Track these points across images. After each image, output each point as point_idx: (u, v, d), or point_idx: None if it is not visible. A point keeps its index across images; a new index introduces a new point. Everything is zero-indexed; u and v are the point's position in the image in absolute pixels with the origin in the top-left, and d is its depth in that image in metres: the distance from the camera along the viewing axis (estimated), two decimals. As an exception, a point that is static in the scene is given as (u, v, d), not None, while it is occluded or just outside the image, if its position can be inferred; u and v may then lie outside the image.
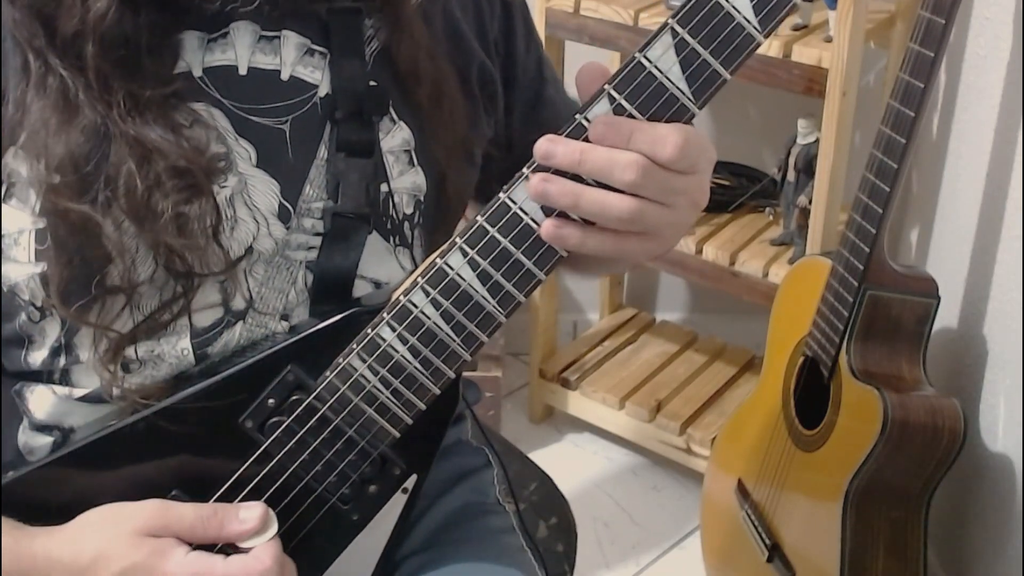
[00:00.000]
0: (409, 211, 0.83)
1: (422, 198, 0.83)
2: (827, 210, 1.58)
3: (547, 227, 0.71)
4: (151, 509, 0.72)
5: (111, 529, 0.71)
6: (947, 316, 1.52)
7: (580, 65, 0.72)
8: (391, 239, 0.82)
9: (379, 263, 0.81)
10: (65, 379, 0.77)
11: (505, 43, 0.90)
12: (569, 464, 2.01)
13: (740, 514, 1.53)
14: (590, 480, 1.99)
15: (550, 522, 1.12)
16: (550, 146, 0.69)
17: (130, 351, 0.76)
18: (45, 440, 0.78)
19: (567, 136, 0.70)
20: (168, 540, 0.71)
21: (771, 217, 1.84)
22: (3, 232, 0.73)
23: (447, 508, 0.94)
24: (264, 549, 0.72)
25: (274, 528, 0.74)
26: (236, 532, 0.73)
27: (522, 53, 0.92)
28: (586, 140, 0.70)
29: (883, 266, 1.30)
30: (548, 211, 0.71)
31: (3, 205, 0.73)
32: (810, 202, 1.63)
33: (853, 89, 1.52)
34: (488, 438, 1.02)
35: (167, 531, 0.71)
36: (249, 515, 0.73)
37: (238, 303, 0.78)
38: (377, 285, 0.81)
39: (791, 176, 1.69)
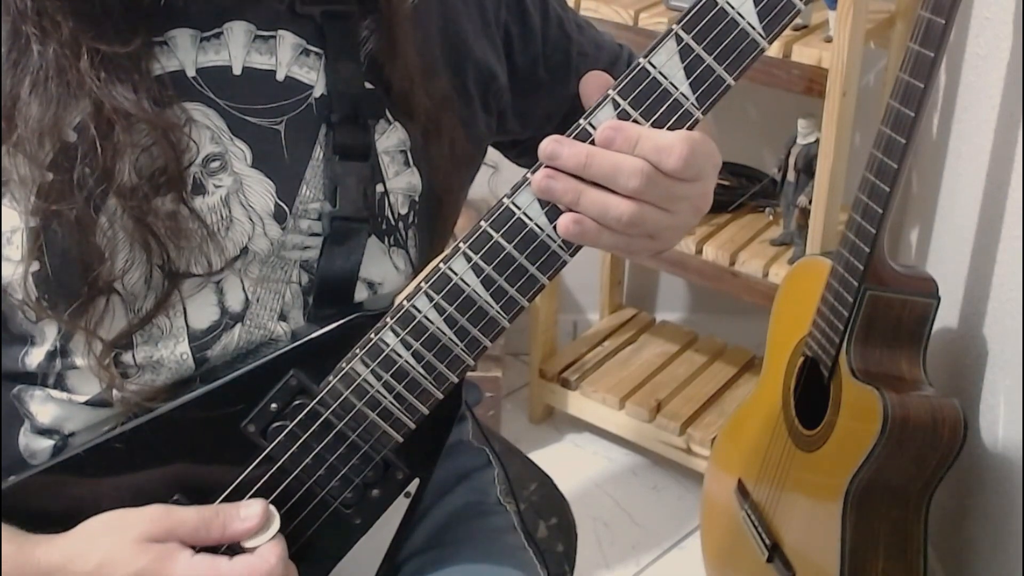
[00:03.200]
0: (404, 211, 0.83)
1: (417, 198, 0.83)
2: (827, 210, 1.58)
3: (565, 223, 0.71)
4: (153, 514, 0.72)
5: (114, 536, 0.71)
6: (947, 316, 1.52)
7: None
8: (386, 239, 0.82)
9: (373, 263, 0.81)
10: (61, 384, 0.77)
11: (519, 24, 0.89)
12: (569, 464, 2.01)
13: (740, 514, 1.54)
14: (590, 480, 1.99)
15: (550, 522, 1.12)
16: (556, 147, 0.70)
17: (128, 357, 0.76)
18: (46, 443, 0.78)
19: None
20: (172, 545, 0.71)
21: (771, 217, 1.84)
22: (1, 230, 0.73)
23: (448, 508, 0.94)
24: (268, 548, 0.73)
25: (276, 525, 0.74)
26: (239, 531, 0.73)
27: (539, 25, 0.91)
28: (591, 144, 0.70)
29: (883, 266, 1.30)
30: (552, 216, 0.72)
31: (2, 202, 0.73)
32: (810, 202, 1.63)
33: (853, 89, 1.52)
34: (488, 438, 1.02)
35: (170, 536, 0.71)
36: (250, 513, 0.73)
37: (234, 304, 0.78)
38: (371, 285, 0.81)
39: (791, 176, 1.69)
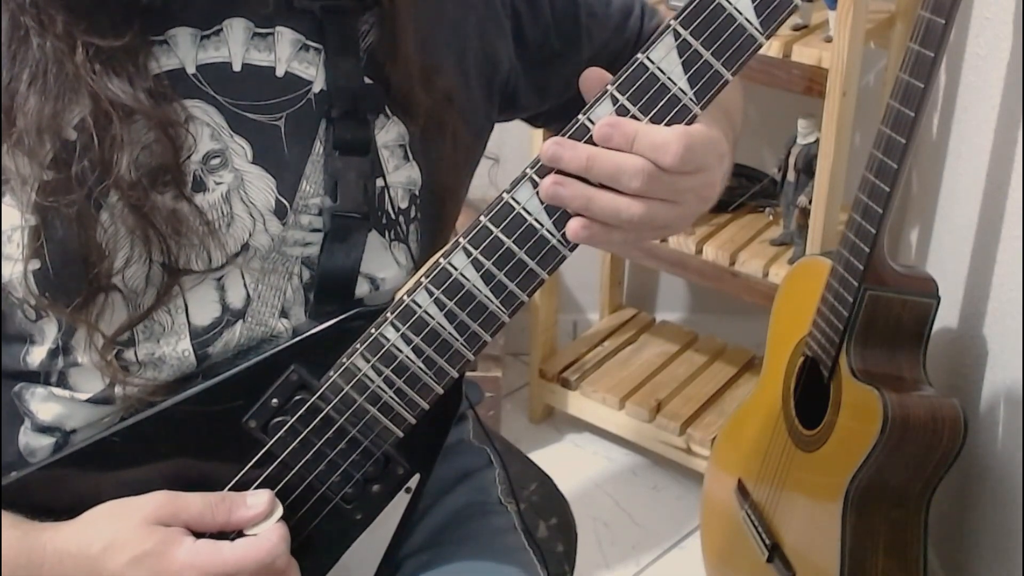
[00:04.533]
0: (404, 205, 0.83)
1: (417, 192, 0.83)
2: (827, 210, 1.58)
3: (575, 228, 0.71)
4: (159, 498, 0.72)
5: (120, 519, 0.71)
6: (947, 316, 1.52)
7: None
8: (387, 234, 0.82)
9: (374, 259, 0.81)
10: (63, 382, 0.77)
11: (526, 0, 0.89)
12: (569, 464, 2.02)
13: (740, 514, 1.54)
14: (590, 480, 2.00)
15: (550, 522, 1.12)
16: (556, 149, 0.70)
17: (130, 354, 0.76)
18: (47, 441, 0.78)
19: (570, 136, 0.71)
20: (176, 529, 0.71)
21: (771, 217, 1.84)
22: (1, 229, 0.73)
23: (449, 508, 0.94)
24: (271, 529, 0.73)
25: (279, 513, 0.75)
26: (244, 518, 0.74)
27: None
28: (589, 141, 0.70)
29: (883, 266, 1.30)
30: (551, 211, 0.72)
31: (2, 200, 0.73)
32: (810, 202, 1.63)
33: (853, 89, 1.52)
34: (489, 438, 1.02)
35: (176, 519, 0.72)
36: (256, 501, 0.74)
37: (235, 301, 0.78)
38: (372, 280, 0.81)
39: (791, 176, 1.69)
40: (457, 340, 0.75)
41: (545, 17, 0.90)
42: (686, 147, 0.69)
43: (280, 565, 0.73)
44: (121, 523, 0.71)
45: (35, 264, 0.73)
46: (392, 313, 0.75)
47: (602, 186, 0.70)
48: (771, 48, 1.55)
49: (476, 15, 0.87)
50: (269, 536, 0.73)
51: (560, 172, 0.71)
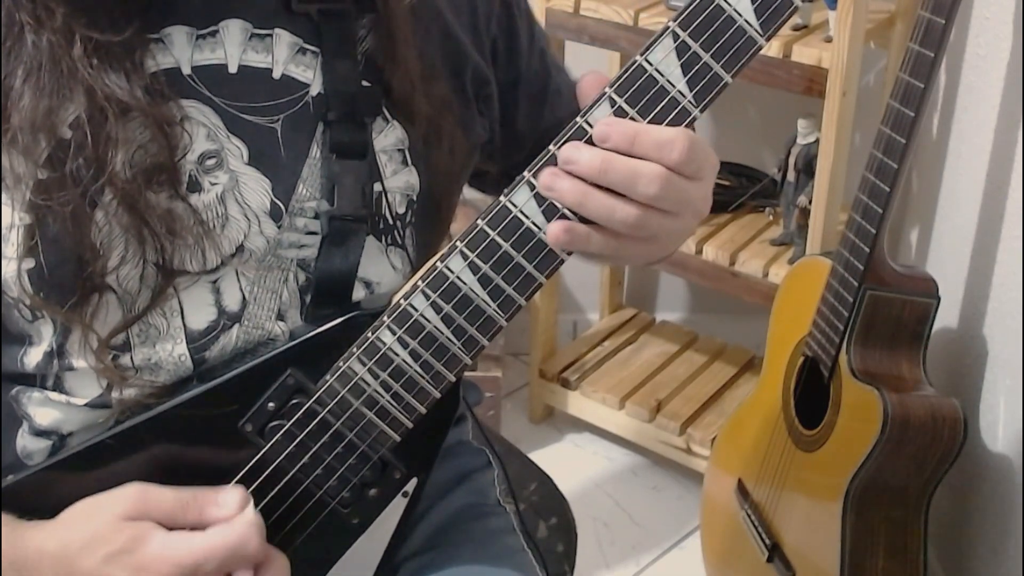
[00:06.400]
0: (402, 210, 0.82)
1: (415, 197, 0.83)
2: (827, 210, 1.58)
3: (554, 232, 0.71)
4: (131, 494, 0.72)
5: (95, 517, 0.71)
6: (947, 316, 1.52)
7: (580, 65, 0.72)
8: (383, 239, 0.82)
9: (371, 263, 0.81)
10: (60, 386, 0.77)
11: (507, 41, 0.90)
12: (569, 464, 2.02)
13: (740, 514, 1.53)
14: (590, 480, 1.99)
15: (550, 522, 1.12)
16: (573, 151, 0.69)
17: (126, 359, 0.76)
18: (43, 444, 0.78)
19: (568, 139, 0.70)
20: (148, 524, 0.71)
21: (771, 217, 1.84)
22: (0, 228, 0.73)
23: (448, 509, 0.94)
24: (241, 517, 0.72)
25: (251, 510, 0.73)
26: (215, 517, 0.72)
27: (525, 49, 0.91)
28: (587, 143, 0.70)
29: (883, 266, 1.30)
30: (549, 215, 0.71)
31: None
32: (810, 202, 1.63)
33: (853, 89, 1.52)
34: (488, 439, 1.02)
35: (147, 516, 0.71)
36: (228, 499, 0.73)
37: (231, 304, 0.78)
38: (368, 284, 0.81)
39: (791, 176, 1.69)
40: (454, 344, 0.74)
41: (519, 67, 0.91)
42: (691, 143, 0.69)
43: (251, 550, 0.71)
44: (95, 521, 0.71)
45: (29, 263, 0.73)
46: (389, 316, 0.75)
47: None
48: (771, 48, 1.54)
49: (466, 35, 0.87)
50: (240, 521, 0.71)
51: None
